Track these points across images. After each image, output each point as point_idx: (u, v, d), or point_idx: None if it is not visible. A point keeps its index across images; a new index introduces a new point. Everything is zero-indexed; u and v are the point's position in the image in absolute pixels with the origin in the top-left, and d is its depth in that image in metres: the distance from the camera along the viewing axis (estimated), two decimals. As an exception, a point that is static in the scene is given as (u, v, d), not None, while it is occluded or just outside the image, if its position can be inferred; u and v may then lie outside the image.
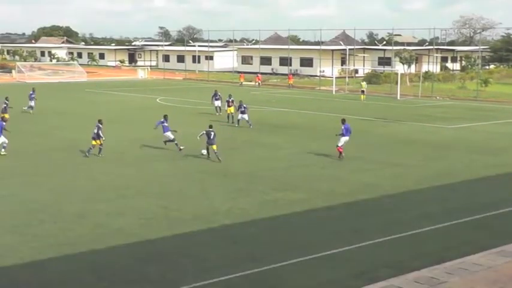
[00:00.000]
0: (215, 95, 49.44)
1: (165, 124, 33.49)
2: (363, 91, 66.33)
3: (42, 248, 17.83)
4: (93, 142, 31.48)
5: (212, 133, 31.31)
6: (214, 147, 31.04)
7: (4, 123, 33.38)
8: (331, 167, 29.72)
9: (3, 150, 32.02)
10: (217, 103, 48.77)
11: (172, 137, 33.23)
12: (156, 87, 79.76)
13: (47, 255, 17.27)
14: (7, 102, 44.25)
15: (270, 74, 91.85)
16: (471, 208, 22.63)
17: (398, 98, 66.88)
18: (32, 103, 49.82)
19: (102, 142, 31.57)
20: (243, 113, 41.83)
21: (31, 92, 50.89)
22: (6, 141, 32.20)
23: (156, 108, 53.29)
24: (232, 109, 44.63)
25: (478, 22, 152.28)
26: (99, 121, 32.25)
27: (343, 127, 31.59)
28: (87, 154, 31.37)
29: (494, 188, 26.50)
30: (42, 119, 46.22)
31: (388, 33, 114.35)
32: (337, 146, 31.44)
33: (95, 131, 31.57)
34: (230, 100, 45.05)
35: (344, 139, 31.46)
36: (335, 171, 28.86)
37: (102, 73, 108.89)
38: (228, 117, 44.69)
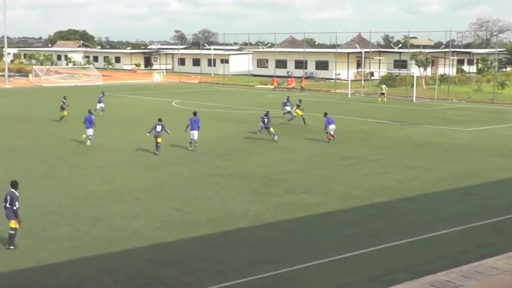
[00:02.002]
0: (287, 101, 48.95)
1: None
2: (382, 93, 66.21)
3: (59, 251, 17.90)
4: (159, 140, 33.23)
5: (266, 118, 37.64)
6: (271, 129, 37.26)
7: (93, 117, 36.60)
8: (347, 170, 29.66)
9: (89, 141, 35.76)
10: (287, 109, 48.77)
11: None
12: (172, 90, 79.98)
13: (63, 258, 17.33)
14: (65, 101, 46.87)
15: (286, 77, 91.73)
16: (488, 211, 22.50)
17: (414, 100, 66.65)
18: (102, 105, 50.91)
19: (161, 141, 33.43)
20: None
21: (100, 95, 52.01)
22: (92, 134, 35.98)
23: (171, 112, 53.42)
24: (300, 112, 45.33)
25: (495, 24, 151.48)
26: (160, 120, 34.10)
27: (326, 119, 37.20)
28: (156, 152, 33.00)
29: (511, 191, 26.33)
30: (58, 122, 46.44)
31: (404, 35, 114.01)
32: (327, 133, 37.06)
33: (158, 129, 33.19)
34: (298, 104, 45.90)
35: (331, 127, 36.78)
36: (351, 174, 28.79)
37: (118, 76, 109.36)
38: (301, 119, 45.21)
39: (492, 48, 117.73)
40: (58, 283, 15.84)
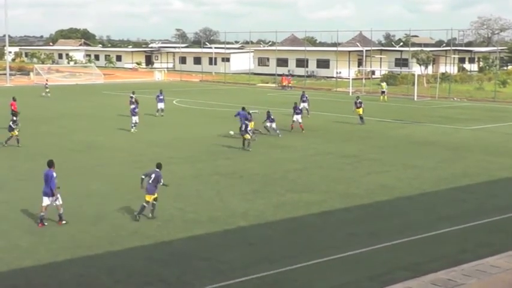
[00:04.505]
0: (302, 96, 50.33)
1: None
2: (383, 92, 66.18)
3: (59, 250, 17.93)
4: (247, 136, 34.20)
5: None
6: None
7: (135, 108, 41.62)
8: (348, 169, 29.65)
9: (133, 128, 40.28)
10: (304, 105, 49.43)
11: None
12: (173, 89, 79.88)
13: (64, 257, 17.36)
14: (133, 96, 49.40)
15: (287, 75, 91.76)
16: (488, 210, 22.50)
17: (415, 99, 66.62)
18: (162, 105, 49.84)
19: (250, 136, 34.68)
20: (272, 121, 39.78)
21: (158, 94, 50.82)
22: (138, 121, 40.66)
23: (172, 111, 53.42)
24: (360, 110, 44.89)
25: (496, 23, 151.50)
26: (247, 118, 35.55)
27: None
28: (248, 149, 33.90)
29: (512, 190, 26.35)
30: (60, 121, 46.49)
31: (405, 34, 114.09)
32: (299, 123, 40.89)
33: (243, 128, 34.29)
34: (358, 102, 45.55)
35: (297, 117, 40.82)
36: (351, 173, 28.79)
37: (119, 75, 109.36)
38: (360, 118, 45.02)
39: (493, 46, 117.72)
40: (59, 282, 15.86)
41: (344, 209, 22.65)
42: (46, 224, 20.25)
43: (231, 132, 37.68)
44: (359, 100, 45.71)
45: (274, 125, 39.45)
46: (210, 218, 21.19)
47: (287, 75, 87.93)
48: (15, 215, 21.62)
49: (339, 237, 19.36)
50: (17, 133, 34.68)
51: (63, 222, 20.38)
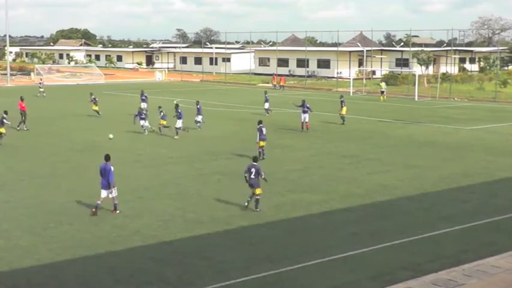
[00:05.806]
0: (265, 94, 52.01)
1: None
2: (382, 92, 66.14)
3: (60, 250, 17.91)
4: (262, 143, 31.52)
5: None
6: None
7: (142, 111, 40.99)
8: (348, 169, 29.64)
9: (146, 131, 39.86)
10: (266, 105, 50.70)
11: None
12: (174, 89, 79.95)
13: (64, 257, 17.35)
14: (93, 98, 49.99)
15: (287, 75, 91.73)
16: (489, 210, 22.48)
17: (416, 99, 66.59)
18: (143, 105, 48.28)
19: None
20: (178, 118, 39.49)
21: (141, 94, 50.89)
22: (149, 126, 40.13)
23: (173, 111, 53.34)
24: (344, 110, 45.15)
25: (497, 23, 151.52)
26: (261, 122, 31.90)
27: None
28: (264, 157, 31.11)
29: (513, 189, 26.31)
30: (60, 121, 46.49)
31: (406, 34, 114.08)
32: (306, 122, 41.09)
33: (264, 131, 31.44)
34: (341, 100, 45.74)
35: (304, 115, 40.88)
36: (352, 172, 28.77)
37: (119, 75, 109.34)
38: (342, 118, 45.31)
39: (494, 46, 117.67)
40: (59, 282, 15.85)
41: (345, 209, 22.63)
42: (99, 213, 21.32)
43: (110, 136, 35.98)
44: (342, 99, 45.86)
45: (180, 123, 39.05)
46: (211, 218, 21.18)
47: (278, 75, 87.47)
48: (15, 215, 21.61)
49: (339, 237, 19.35)
50: (4, 130, 35.64)
51: (117, 211, 21.51)
